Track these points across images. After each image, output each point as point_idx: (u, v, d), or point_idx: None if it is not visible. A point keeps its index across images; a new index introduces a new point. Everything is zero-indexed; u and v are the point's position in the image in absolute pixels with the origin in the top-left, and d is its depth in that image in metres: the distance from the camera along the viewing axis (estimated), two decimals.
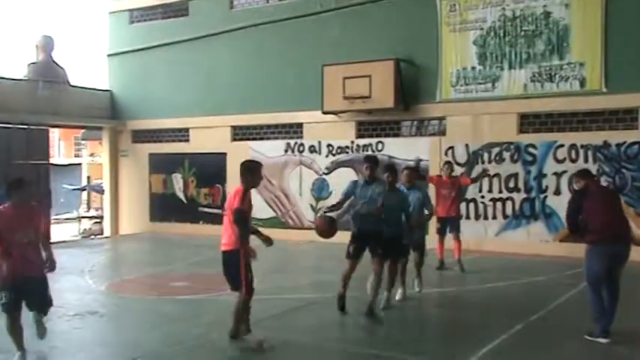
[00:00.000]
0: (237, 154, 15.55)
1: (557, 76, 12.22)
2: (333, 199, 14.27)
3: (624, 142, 11.63)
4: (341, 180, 14.24)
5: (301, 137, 14.97)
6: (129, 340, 6.63)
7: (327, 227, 7.07)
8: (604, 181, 11.73)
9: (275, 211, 15.18)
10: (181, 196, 16.74)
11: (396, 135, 13.97)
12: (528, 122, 12.63)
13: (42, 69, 16.75)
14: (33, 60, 17.17)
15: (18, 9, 56.57)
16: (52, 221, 17.12)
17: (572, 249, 11.70)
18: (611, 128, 11.85)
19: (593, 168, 11.80)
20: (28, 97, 15.65)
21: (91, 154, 31.34)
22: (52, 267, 5.78)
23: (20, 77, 16.63)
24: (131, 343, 6.46)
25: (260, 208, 14.15)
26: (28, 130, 15.57)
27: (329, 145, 14.56)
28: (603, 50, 11.77)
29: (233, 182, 15.61)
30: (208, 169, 16.17)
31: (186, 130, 16.59)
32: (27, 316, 5.78)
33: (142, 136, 17.45)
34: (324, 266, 10.63)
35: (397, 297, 8.02)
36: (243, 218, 5.87)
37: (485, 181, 12.75)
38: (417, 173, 9.56)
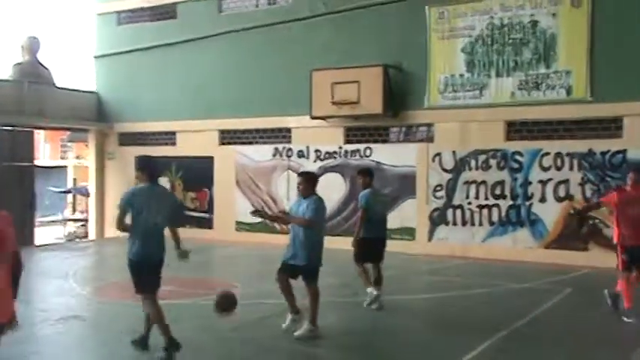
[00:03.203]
0: (225, 158, 15.58)
1: (543, 85, 12.31)
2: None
3: (609, 151, 11.74)
4: (329, 185, 14.32)
5: (289, 142, 14.95)
6: (111, 344, 6.57)
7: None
8: (588, 190, 11.86)
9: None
10: None
11: (384, 141, 13.99)
12: (515, 130, 12.71)
13: (27, 70, 16.61)
14: (18, 61, 17.03)
15: (3, 9, 56.14)
16: (37, 224, 17.01)
17: (557, 256, 11.84)
18: (597, 136, 11.95)
19: (577, 176, 11.93)
20: (13, 99, 15.50)
21: (77, 157, 31.07)
22: None
23: (5, 78, 16.48)
24: (114, 348, 6.41)
25: (247, 213, 14.07)
26: (12, 131, 15.42)
27: (317, 151, 14.55)
28: (589, 59, 11.88)
29: (220, 186, 15.64)
30: (195, 173, 16.09)
31: (173, 133, 16.51)
32: None
33: (128, 139, 17.33)
34: None
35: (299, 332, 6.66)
36: None
37: (472, 188, 12.83)
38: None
